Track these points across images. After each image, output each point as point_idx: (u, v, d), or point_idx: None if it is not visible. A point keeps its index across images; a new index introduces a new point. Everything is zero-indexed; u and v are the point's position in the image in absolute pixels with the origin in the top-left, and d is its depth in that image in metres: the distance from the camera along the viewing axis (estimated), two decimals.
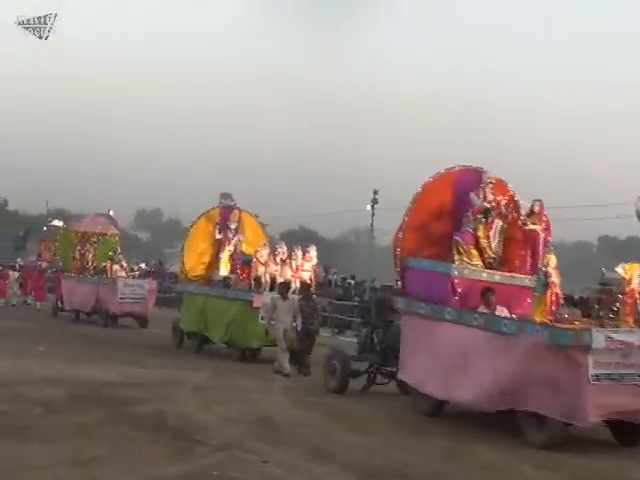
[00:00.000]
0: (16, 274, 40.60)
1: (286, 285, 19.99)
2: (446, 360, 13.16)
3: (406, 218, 14.51)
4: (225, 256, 23.61)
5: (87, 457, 9.45)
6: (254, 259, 21.74)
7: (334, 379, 15.96)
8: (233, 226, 23.82)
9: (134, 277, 33.85)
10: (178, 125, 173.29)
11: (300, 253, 21.64)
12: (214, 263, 23.84)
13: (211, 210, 24.72)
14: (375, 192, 65.28)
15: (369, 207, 65.49)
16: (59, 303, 34.12)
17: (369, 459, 10.38)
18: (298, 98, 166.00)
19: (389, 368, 15.78)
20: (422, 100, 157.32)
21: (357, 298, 30.97)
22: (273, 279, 21.19)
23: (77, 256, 33.78)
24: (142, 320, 30.21)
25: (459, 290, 13.75)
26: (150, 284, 31.36)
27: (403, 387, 15.24)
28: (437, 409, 13.73)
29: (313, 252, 21.88)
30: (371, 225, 66.03)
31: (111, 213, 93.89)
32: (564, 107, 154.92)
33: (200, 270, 24.10)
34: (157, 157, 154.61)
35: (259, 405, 13.98)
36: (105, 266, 32.24)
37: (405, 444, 11.50)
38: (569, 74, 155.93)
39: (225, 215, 24.17)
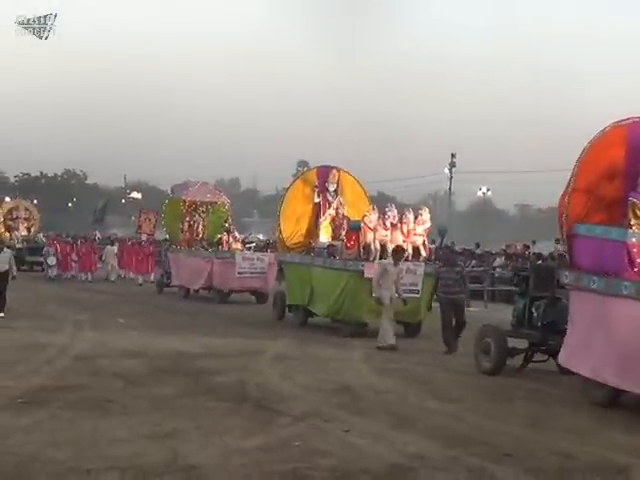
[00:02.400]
0: (114, 248, 39.39)
1: (402, 250, 18.26)
2: (625, 342, 11.10)
3: (572, 180, 12.23)
4: (326, 221, 21.98)
5: (166, 430, 9.34)
6: (362, 224, 19.47)
7: (487, 359, 14.15)
8: (332, 188, 22.28)
9: (250, 249, 31.22)
10: (256, 95, 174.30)
11: (412, 216, 19.84)
12: (313, 229, 22.25)
13: (307, 172, 23.27)
14: (453, 155, 64.73)
15: (447, 170, 64.98)
16: (164, 278, 32.31)
17: (452, 426, 10.11)
18: (371, 63, 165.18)
19: (550, 343, 13.79)
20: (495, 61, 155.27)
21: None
22: (383, 246, 19.27)
23: (185, 227, 31.56)
24: (261, 296, 27.94)
25: (638, 260, 11.51)
26: (271, 257, 28.03)
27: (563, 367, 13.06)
28: (613, 398, 11.72)
29: (426, 215, 19.99)
30: (449, 189, 65.52)
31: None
32: None
33: (298, 237, 22.44)
34: (235, 127, 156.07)
35: (339, 373, 13.78)
36: (219, 238, 29.88)
37: (489, 410, 11.22)
38: None
39: (323, 176, 22.46)
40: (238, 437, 9.15)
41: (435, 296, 17.62)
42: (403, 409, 11.03)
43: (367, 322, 19.16)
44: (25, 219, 48.06)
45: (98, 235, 42.01)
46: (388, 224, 19.47)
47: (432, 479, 8.03)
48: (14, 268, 21.53)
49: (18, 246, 42.99)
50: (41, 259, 39.76)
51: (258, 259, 28.22)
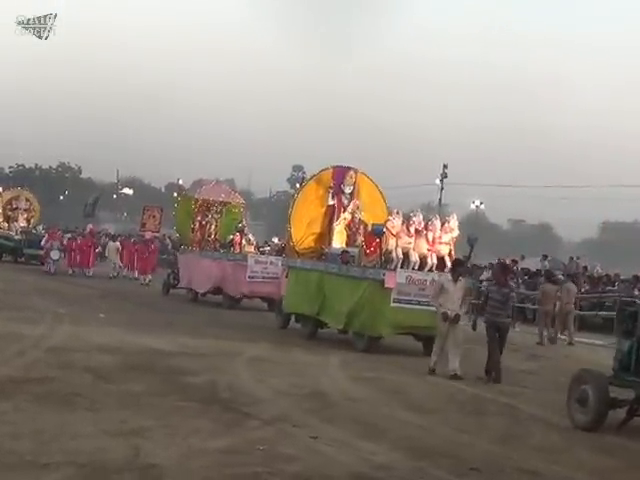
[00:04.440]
0: (117, 244, 38.50)
1: (459, 263, 16.25)
2: None
3: None
4: (340, 226, 20.50)
5: (131, 428, 9.19)
6: (385, 230, 17.80)
7: (584, 410, 11.17)
8: (348, 190, 20.89)
9: (264, 253, 29.62)
10: (252, 91, 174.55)
11: (438, 223, 18.33)
12: (326, 234, 20.80)
13: (322, 172, 21.32)
14: (445, 166, 64.72)
15: (438, 181, 64.97)
16: (171, 279, 30.86)
17: (421, 438, 10.00)
18: (365, 70, 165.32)
19: None
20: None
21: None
22: (406, 253, 17.78)
23: (196, 227, 30.02)
24: (273, 303, 25.04)
25: None
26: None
27: None
28: None
29: (454, 222, 18.46)
30: (439, 200, 65.52)
31: (180, 182, 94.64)
32: None
33: (309, 242, 20.93)
34: (232, 125, 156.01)
35: (314, 379, 13.64)
36: (231, 239, 28.22)
37: (461, 423, 11.08)
38: None
39: (339, 177, 21.03)
40: (203, 438, 9.00)
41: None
42: (374, 418, 10.89)
43: (383, 336, 17.91)
44: (25, 210, 46.84)
45: (91, 227, 40.91)
46: (412, 230, 17.98)
47: None
48: None
49: (16, 237, 42.57)
50: (40, 252, 39.02)
51: (271, 263, 26.53)
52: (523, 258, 39.70)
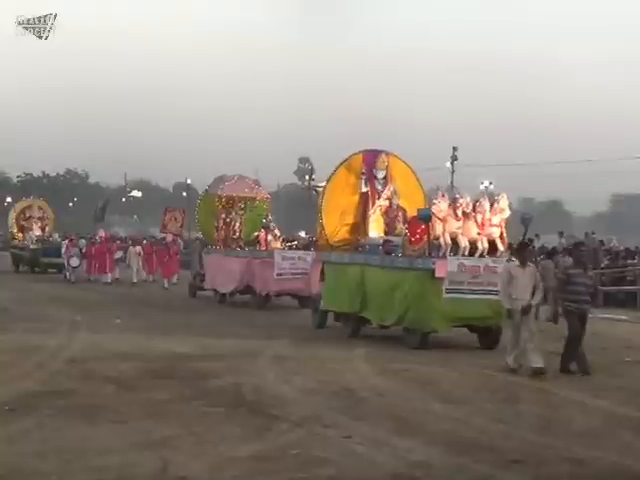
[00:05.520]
0: (137, 249, 37.28)
1: (526, 246, 15.07)
2: None
3: None
4: (375, 214, 19.18)
5: (157, 438, 8.89)
6: (432, 214, 16.40)
7: None
8: (381, 175, 19.44)
9: (291, 248, 27.53)
10: (257, 89, 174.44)
11: (487, 204, 16.88)
12: (361, 223, 19.36)
13: (351, 157, 19.69)
14: (454, 149, 64.33)
15: (449, 164, 64.58)
16: (197, 281, 29.86)
17: (458, 431, 9.65)
18: (370, 58, 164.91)
19: None
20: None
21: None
22: (454, 239, 16.42)
23: (221, 225, 28.77)
24: (303, 299, 24.70)
25: None
26: (314, 256, 24.38)
27: None
28: None
29: (504, 202, 16.98)
30: (451, 183, 65.06)
31: (189, 181, 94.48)
32: None
33: (343, 233, 19.46)
34: (237, 124, 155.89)
35: (340, 375, 13.27)
36: (257, 236, 27.12)
37: (496, 412, 10.72)
38: None
39: (370, 162, 19.51)
40: (232, 445, 8.69)
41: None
42: (406, 413, 10.55)
43: (437, 330, 16.74)
44: (39, 218, 46.38)
45: (102, 234, 40.25)
46: (460, 213, 16.57)
47: None
48: None
49: (32, 247, 42.12)
50: (57, 260, 38.54)
51: (299, 258, 25.40)
52: (538, 236, 39.22)
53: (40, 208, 47.37)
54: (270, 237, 26.71)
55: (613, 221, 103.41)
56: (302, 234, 41.31)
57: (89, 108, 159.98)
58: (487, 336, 16.88)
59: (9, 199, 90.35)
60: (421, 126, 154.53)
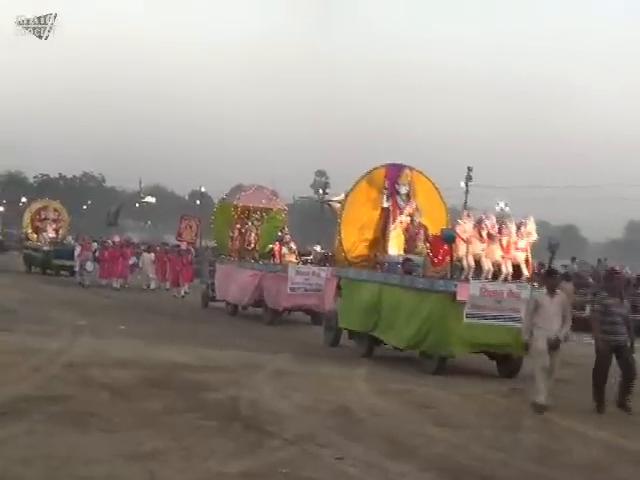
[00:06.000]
0: (151, 255, 36.99)
1: (554, 273, 13.88)
2: None
3: None
4: (396, 230, 18.73)
5: (147, 450, 8.75)
6: (456, 235, 15.86)
7: None
8: (404, 191, 18.97)
9: (306, 262, 27.04)
10: (275, 100, 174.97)
11: (514, 226, 16.26)
12: (380, 240, 18.90)
13: (374, 171, 19.23)
14: (469, 169, 64.19)
15: (463, 184, 64.42)
16: (210, 291, 29.01)
17: (454, 456, 9.46)
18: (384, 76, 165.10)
19: None
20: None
21: None
22: (477, 261, 15.82)
23: (236, 235, 28.13)
24: (317, 316, 24.25)
25: None
26: (329, 271, 24.13)
27: None
28: None
29: (531, 225, 16.37)
30: (465, 203, 64.93)
31: (203, 189, 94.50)
32: None
33: (362, 249, 19.03)
34: (254, 133, 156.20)
35: (339, 393, 13.08)
36: (271, 249, 26.41)
37: (495, 439, 10.51)
38: None
39: (393, 176, 19.05)
40: (222, 460, 8.54)
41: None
42: (402, 435, 10.37)
43: (456, 355, 16.06)
44: (54, 220, 46.22)
45: (117, 239, 39.95)
46: (484, 235, 15.97)
47: None
48: None
49: (45, 248, 42.07)
50: (69, 263, 38.45)
51: (314, 274, 24.61)
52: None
53: (56, 210, 47.20)
54: (285, 250, 26.11)
55: (627, 248, 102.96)
56: (317, 248, 40.56)
57: (108, 113, 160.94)
58: (507, 364, 16.31)
59: (24, 199, 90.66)
60: (436, 145, 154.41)
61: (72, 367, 13.79)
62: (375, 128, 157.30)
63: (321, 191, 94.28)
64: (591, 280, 26.81)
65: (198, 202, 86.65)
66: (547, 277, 13.53)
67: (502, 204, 77.14)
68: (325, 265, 25.83)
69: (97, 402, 11.12)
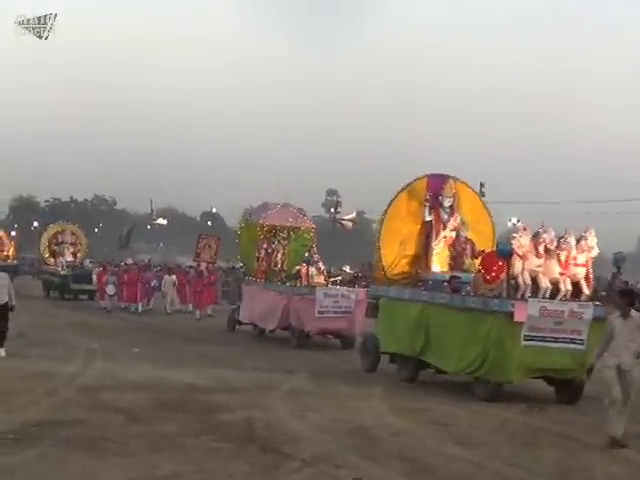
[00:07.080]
0: (173, 277, 35.86)
1: (630, 293, 12.26)
2: None
3: None
4: (440, 245, 17.69)
5: (163, 474, 8.65)
6: (513, 250, 14.62)
7: None
8: (447, 203, 17.84)
9: (335, 283, 25.69)
10: (287, 123, 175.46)
11: (573, 240, 14.94)
12: (422, 255, 17.79)
13: (415, 182, 18.07)
14: (482, 185, 63.93)
15: None
16: (236, 314, 27.66)
17: (472, 475, 9.34)
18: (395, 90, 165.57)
19: None
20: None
21: None
22: (534, 279, 14.61)
23: (262, 255, 26.94)
24: (347, 340, 23.51)
25: None
26: (359, 293, 23.63)
27: None
28: None
29: (592, 239, 15.04)
30: None
31: (214, 210, 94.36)
32: None
33: (402, 266, 17.85)
34: (267, 157, 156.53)
35: (356, 412, 12.94)
36: (298, 270, 25.11)
37: (513, 457, 10.35)
38: None
39: (435, 188, 17.87)
40: None
41: None
42: (420, 454, 10.23)
43: (513, 381, 14.91)
44: (71, 244, 45.14)
45: (130, 261, 39.56)
46: (542, 250, 14.76)
47: None
48: (14, 297, 18.26)
49: (63, 273, 41.33)
50: (88, 287, 38.24)
51: (343, 296, 23.43)
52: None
53: (73, 233, 46.26)
54: (313, 270, 24.87)
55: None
56: (346, 269, 38.44)
57: (118, 136, 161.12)
58: (567, 390, 15.02)
59: (36, 223, 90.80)
60: (447, 163, 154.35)
61: (85, 391, 13.71)
62: (390, 148, 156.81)
63: (332, 210, 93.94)
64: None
65: (210, 223, 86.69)
66: (622, 297, 11.86)
67: (514, 219, 77.02)
68: (354, 286, 25.11)
69: (111, 426, 11.01)
